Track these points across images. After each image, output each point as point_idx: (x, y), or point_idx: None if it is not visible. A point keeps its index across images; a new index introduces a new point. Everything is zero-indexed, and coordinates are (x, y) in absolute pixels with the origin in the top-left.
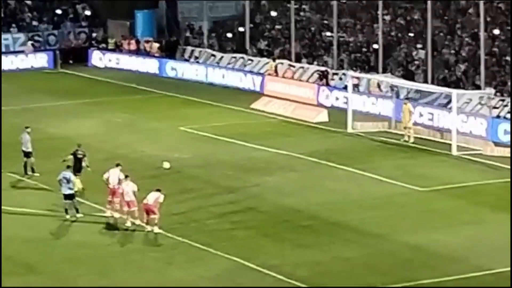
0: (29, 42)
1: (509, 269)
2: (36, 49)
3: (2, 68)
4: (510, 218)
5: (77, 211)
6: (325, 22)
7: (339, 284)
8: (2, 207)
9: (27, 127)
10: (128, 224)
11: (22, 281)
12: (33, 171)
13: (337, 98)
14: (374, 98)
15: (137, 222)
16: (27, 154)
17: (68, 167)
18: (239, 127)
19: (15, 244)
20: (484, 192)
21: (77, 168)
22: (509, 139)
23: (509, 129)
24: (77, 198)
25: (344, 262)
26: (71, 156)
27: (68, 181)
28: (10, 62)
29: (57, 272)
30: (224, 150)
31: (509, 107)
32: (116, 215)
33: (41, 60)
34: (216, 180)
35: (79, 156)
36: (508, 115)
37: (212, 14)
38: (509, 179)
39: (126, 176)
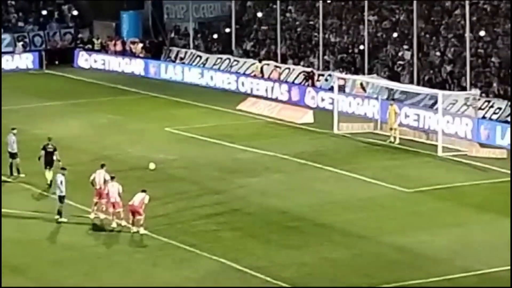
0: (19, 43)
1: (494, 270)
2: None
3: None
4: (510, 220)
5: (60, 215)
6: (311, 23)
7: (325, 285)
8: None
9: (13, 129)
10: (114, 225)
11: (7, 283)
12: (18, 172)
13: (322, 99)
14: (360, 99)
15: (123, 223)
16: (13, 155)
17: (62, 168)
18: (225, 128)
19: (1, 245)
20: (470, 193)
21: (48, 162)
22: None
23: (492, 130)
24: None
25: (331, 263)
26: (43, 151)
27: (60, 183)
28: None
29: (43, 273)
30: (210, 151)
31: (494, 108)
32: (102, 216)
33: (26, 61)
34: (202, 181)
35: (49, 150)
36: (494, 116)
37: (198, 15)
38: (496, 180)
39: (112, 177)
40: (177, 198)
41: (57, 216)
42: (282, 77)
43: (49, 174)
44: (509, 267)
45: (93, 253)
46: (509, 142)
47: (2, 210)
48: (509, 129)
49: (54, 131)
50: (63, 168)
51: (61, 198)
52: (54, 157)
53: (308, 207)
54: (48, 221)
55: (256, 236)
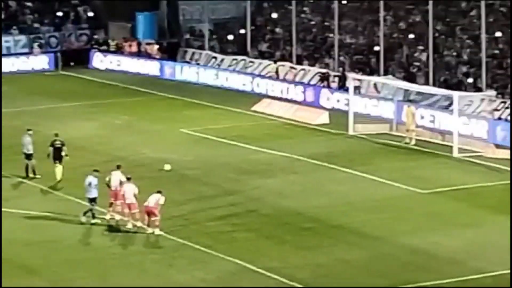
0: (35, 44)
1: (508, 271)
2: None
3: (2, 70)
4: (510, 220)
5: (94, 216)
6: (326, 24)
7: (340, 286)
8: (3, 209)
9: (29, 130)
10: (129, 226)
11: (22, 284)
12: (34, 173)
13: (338, 100)
14: (375, 100)
15: (138, 224)
16: (28, 156)
17: (95, 170)
18: (240, 129)
19: (16, 246)
20: (485, 194)
21: (56, 157)
22: (508, 141)
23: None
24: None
25: (345, 264)
26: (51, 148)
27: (92, 185)
28: (11, 64)
29: (57, 274)
30: (225, 152)
31: (510, 109)
32: (117, 217)
33: (42, 62)
34: (217, 182)
35: (57, 145)
36: (510, 117)
37: (213, 16)
38: (510, 181)
39: (128, 178)
40: (192, 199)
41: (84, 219)
42: (297, 78)
43: (58, 170)
44: None
45: (109, 254)
46: None
47: (18, 211)
48: None
49: (69, 132)
50: (95, 170)
51: (93, 200)
52: (63, 153)
53: (323, 208)
54: (63, 222)
55: (271, 237)
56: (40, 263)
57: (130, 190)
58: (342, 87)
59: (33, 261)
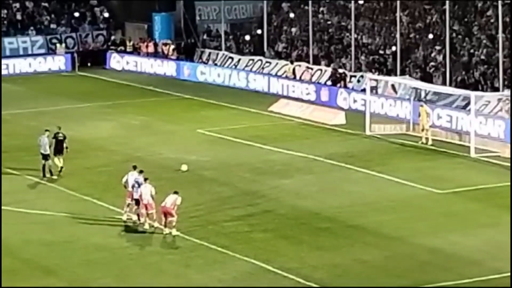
0: (59, 45)
1: None
2: (54, 52)
3: (20, 71)
4: (510, 220)
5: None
6: (343, 24)
7: (357, 287)
8: (21, 210)
9: (46, 130)
10: (146, 226)
11: (39, 284)
12: (51, 173)
13: (355, 101)
14: (392, 100)
15: (155, 224)
16: (45, 157)
17: (141, 172)
18: (257, 129)
19: (33, 247)
20: (502, 194)
21: (58, 150)
22: None
23: None
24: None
25: (362, 265)
26: (53, 140)
27: (139, 185)
28: (28, 65)
29: (75, 275)
30: (241, 153)
31: None
32: (134, 217)
33: (59, 62)
34: (234, 183)
35: (60, 138)
36: None
37: (230, 17)
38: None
39: (145, 179)
40: (209, 200)
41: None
42: (314, 79)
43: (59, 161)
44: None
45: (126, 254)
46: None
47: (35, 211)
48: None
49: (86, 132)
50: (141, 172)
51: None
52: (64, 145)
53: (339, 208)
54: (80, 222)
55: (288, 238)
56: (57, 264)
57: (147, 191)
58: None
59: (50, 261)
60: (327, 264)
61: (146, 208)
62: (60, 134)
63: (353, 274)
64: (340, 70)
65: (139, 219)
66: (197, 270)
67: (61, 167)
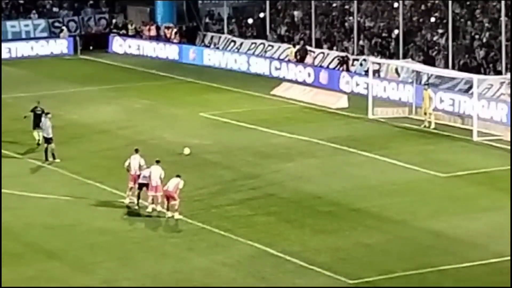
0: (64, 28)
1: None
2: (57, 36)
3: (22, 54)
4: (510, 217)
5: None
6: (346, 7)
7: (360, 270)
8: (23, 193)
9: (47, 113)
10: (149, 209)
11: (42, 268)
12: (53, 157)
13: (357, 84)
14: (394, 84)
15: (158, 208)
16: (48, 140)
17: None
18: (259, 113)
19: (36, 230)
20: (505, 177)
21: (36, 123)
22: None
23: None
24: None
25: (365, 248)
26: (31, 113)
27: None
28: (31, 48)
29: (78, 258)
30: (244, 136)
31: None
32: (136, 200)
33: (61, 46)
34: (236, 166)
35: (38, 112)
36: None
37: (232, 0)
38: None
39: (157, 161)
40: (212, 183)
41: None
42: (316, 62)
43: (37, 134)
44: None
45: (128, 238)
46: None
47: (37, 195)
48: None
49: (89, 116)
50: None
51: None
52: (43, 119)
53: (342, 192)
54: (83, 206)
55: (291, 221)
56: (60, 247)
57: (157, 173)
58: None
59: (53, 245)
60: (329, 248)
61: (156, 190)
62: (38, 108)
63: (356, 258)
64: (343, 54)
65: (138, 202)
66: (200, 254)
67: (38, 140)
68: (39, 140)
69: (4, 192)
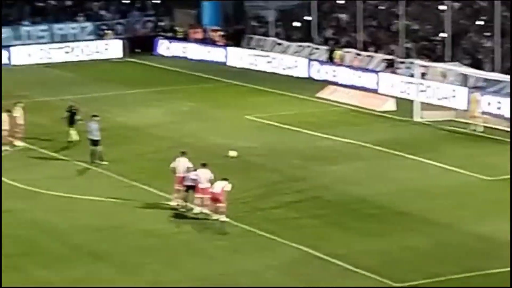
0: (109, 32)
1: None
2: (103, 39)
3: (69, 58)
4: (510, 220)
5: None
6: (392, 10)
7: (405, 274)
8: (70, 195)
9: (95, 116)
10: (196, 211)
11: (89, 270)
12: (101, 159)
13: (403, 87)
14: (440, 87)
15: (204, 210)
16: (95, 143)
17: (203, 165)
18: (305, 115)
19: (83, 232)
20: None
21: (71, 121)
22: None
23: None
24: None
25: (410, 252)
26: (67, 113)
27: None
28: (78, 51)
29: (124, 260)
30: (290, 139)
31: None
32: (182, 203)
33: (108, 49)
34: (282, 169)
35: (74, 111)
36: None
37: (279, 3)
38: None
39: (204, 164)
40: (258, 186)
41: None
42: (363, 65)
43: (74, 132)
44: None
45: (175, 240)
46: None
47: (85, 197)
48: None
49: (135, 118)
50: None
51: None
52: (77, 117)
53: (388, 195)
54: (130, 208)
55: (336, 224)
56: (106, 249)
57: (204, 175)
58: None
59: (99, 247)
60: (375, 251)
61: (203, 193)
62: (73, 108)
63: (401, 261)
64: (389, 57)
65: (185, 204)
66: (246, 256)
67: (72, 140)
68: (73, 139)
69: (51, 194)
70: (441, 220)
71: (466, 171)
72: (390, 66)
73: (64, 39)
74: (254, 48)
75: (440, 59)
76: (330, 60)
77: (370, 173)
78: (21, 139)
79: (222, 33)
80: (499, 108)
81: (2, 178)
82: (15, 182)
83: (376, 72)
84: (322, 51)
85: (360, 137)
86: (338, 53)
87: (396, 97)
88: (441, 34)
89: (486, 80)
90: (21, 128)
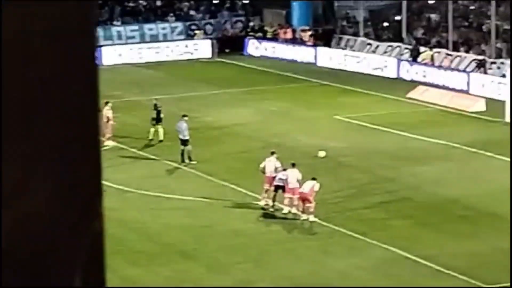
0: (198, 32)
1: None
2: (193, 39)
3: (160, 57)
4: (510, 221)
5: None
6: (483, 10)
7: (497, 275)
8: (160, 195)
9: (184, 116)
10: (285, 211)
11: (178, 268)
12: (190, 159)
13: (494, 88)
14: None
15: (293, 210)
16: (184, 142)
17: (293, 165)
18: (395, 116)
19: (173, 231)
20: None
21: (158, 119)
22: None
23: None
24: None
25: (502, 253)
26: (154, 111)
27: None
28: (167, 51)
29: (213, 259)
30: (380, 140)
31: None
32: (271, 203)
33: (197, 49)
34: (372, 170)
35: (159, 109)
36: None
37: (368, 3)
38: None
39: (293, 164)
40: (347, 186)
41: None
42: (453, 65)
43: (161, 130)
44: None
45: (263, 240)
46: None
47: (174, 196)
48: None
49: (224, 118)
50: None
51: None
52: (161, 115)
53: (479, 196)
54: (219, 207)
55: (427, 225)
56: (196, 248)
57: (294, 175)
58: (414, 60)
59: (189, 246)
60: (466, 252)
61: (293, 193)
62: (159, 105)
63: (493, 263)
64: (480, 57)
65: (273, 204)
66: (335, 257)
67: (152, 138)
68: (156, 137)
69: (141, 193)
70: None
71: None
72: (481, 66)
73: (154, 39)
74: (343, 48)
75: None
76: (414, 60)
77: (461, 174)
78: (110, 139)
79: (311, 33)
80: None
81: None
82: (106, 181)
83: (467, 72)
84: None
85: (450, 138)
86: (428, 53)
87: (486, 98)
88: None
89: None
90: (111, 128)
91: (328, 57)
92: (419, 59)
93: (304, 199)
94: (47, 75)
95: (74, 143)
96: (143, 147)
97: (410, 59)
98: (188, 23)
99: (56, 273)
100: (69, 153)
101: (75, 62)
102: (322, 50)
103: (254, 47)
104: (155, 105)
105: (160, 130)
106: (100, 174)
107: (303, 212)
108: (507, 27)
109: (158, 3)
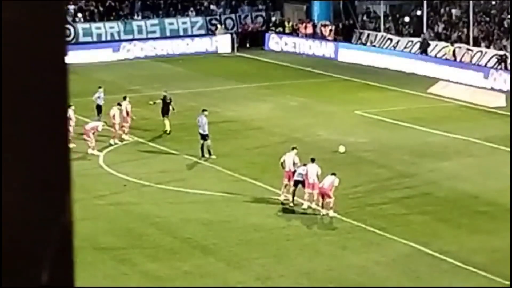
0: (219, 26)
1: None
2: (214, 33)
3: (180, 51)
4: (510, 220)
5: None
6: (504, 5)
7: None
8: (180, 189)
9: (204, 110)
10: (304, 206)
11: (197, 263)
12: (209, 153)
13: None
14: None
15: (313, 205)
16: (204, 137)
17: (312, 160)
18: (415, 111)
19: (192, 226)
20: None
21: (165, 111)
22: None
23: None
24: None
25: None
26: (160, 101)
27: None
28: (188, 46)
29: (233, 254)
30: (400, 135)
31: None
32: (291, 198)
33: (218, 43)
34: (391, 165)
35: (168, 101)
36: None
37: None
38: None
39: (313, 159)
40: (367, 181)
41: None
42: (474, 60)
43: (167, 122)
44: None
45: (283, 235)
46: None
47: (194, 191)
48: None
49: (244, 113)
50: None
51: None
52: (170, 107)
53: (499, 192)
54: (238, 202)
55: (446, 221)
56: (215, 243)
57: (313, 170)
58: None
59: (209, 241)
60: (486, 248)
61: (313, 187)
62: (168, 97)
63: None
64: (501, 52)
65: (293, 199)
66: (354, 252)
67: (167, 130)
68: (170, 131)
69: (161, 188)
70: None
71: None
72: (502, 61)
73: (174, 33)
74: (364, 43)
75: None
76: (422, 53)
77: (482, 170)
78: (128, 134)
79: (332, 27)
80: None
81: (113, 172)
82: (125, 175)
83: (488, 67)
84: (437, 47)
85: (471, 133)
86: (449, 48)
87: (507, 93)
88: None
89: None
90: (129, 122)
91: (349, 52)
92: (439, 54)
93: (323, 194)
94: (15, 72)
95: (42, 137)
96: (163, 141)
97: (432, 54)
98: (209, 17)
99: (23, 267)
100: (37, 147)
101: (43, 59)
102: (342, 45)
103: (274, 41)
104: (164, 97)
105: (166, 122)
106: (69, 168)
107: (322, 207)
108: None
109: None
